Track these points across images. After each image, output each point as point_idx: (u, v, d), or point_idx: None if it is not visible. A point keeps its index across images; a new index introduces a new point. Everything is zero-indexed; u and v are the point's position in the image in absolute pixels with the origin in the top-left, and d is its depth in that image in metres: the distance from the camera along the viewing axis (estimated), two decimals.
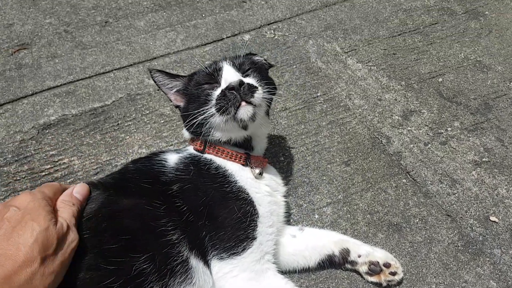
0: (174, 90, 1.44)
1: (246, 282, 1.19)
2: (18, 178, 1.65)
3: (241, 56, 1.45)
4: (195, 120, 1.30)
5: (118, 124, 1.84)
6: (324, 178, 1.70)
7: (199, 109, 1.30)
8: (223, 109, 1.26)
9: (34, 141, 1.77)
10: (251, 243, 1.21)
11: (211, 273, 1.20)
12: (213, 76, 1.37)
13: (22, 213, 0.95)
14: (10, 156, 1.71)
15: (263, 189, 1.36)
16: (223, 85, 1.30)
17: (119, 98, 1.93)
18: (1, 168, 1.67)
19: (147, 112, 1.89)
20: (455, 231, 1.56)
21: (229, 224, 1.20)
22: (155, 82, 1.43)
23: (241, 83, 1.26)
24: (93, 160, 1.71)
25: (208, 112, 1.28)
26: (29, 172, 1.67)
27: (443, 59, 2.23)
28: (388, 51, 2.26)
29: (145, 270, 1.06)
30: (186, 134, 1.47)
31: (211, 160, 1.33)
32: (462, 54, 2.27)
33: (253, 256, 1.21)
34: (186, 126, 1.40)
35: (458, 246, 1.52)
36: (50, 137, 1.79)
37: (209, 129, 1.33)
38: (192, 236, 1.17)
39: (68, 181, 1.64)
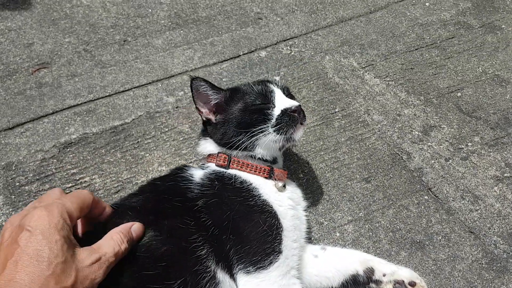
0: (213, 102, 1.43)
1: None
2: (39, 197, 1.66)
3: (277, 80, 1.53)
4: (245, 136, 1.34)
5: (138, 142, 1.85)
6: (345, 195, 1.70)
7: (255, 127, 1.34)
8: (283, 129, 1.34)
9: (55, 160, 1.78)
10: (277, 256, 1.21)
11: (237, 286, 1.19)
12: (266, 97, 1.42)
13: (35, 238, 0.88)
14: (31, 175, 1.73)
15: (286, 202, 1.36)
16: (280, 106, 1.38)
17: (138, 116, 1.95)
18: (23, 187, 1.69)
19: (166, 129, 1.90)
20: (479, 248, 1.54)
21: (254, 238, 1.20)
22: (194, 90, 1.40)
23: (301, 107, 1.37)
24: (114, 178, 1.72)
25: (264, 130, 1.34)
26: None
27: (461, 74, 2.22)
28: (405, 66, 2.25)
29: None
30: (207, 150, 1.47)
31: (235, 175, 1.34)
32: (480, 68, 2.26)
33: (279, 270, 1.21)
34: (221, 140, 1.41)
35: (482, 263, 1.50)
36: (71, 155, 1.80)
37: (254, 145, 1.37)
38: (218, 250, 1.17)
39: None
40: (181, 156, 1.81)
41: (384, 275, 1.38)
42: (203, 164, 1.44)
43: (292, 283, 1.24)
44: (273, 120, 1.36)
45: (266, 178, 1.39)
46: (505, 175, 1.77)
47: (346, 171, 1.78)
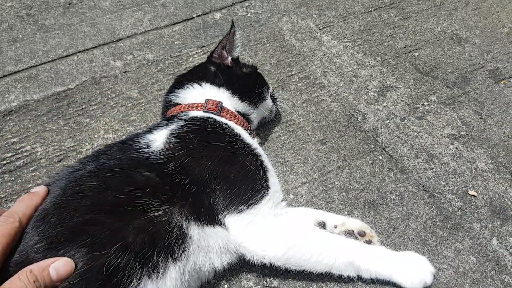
0: (232, 56, 1.57)
1: (269, 225, 1.21)
2: None
3: None
4: (258, 92, 1.57)
5: (82, 108, 1.76)
6: (299, 157, 1.65)
7: (265, 89, 1.62)
8: (275, 101, 1.69)
9: None
10: (267, 191, 1.24)
11: (220, 235, 1.18)
12: None
13: None
14: None
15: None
16: None
17: (83, 82, 1.85)
18: None
19: (113, 95, 1.81)
20: (433, 206, 1.52)
21: (243, 178, 1.22)
22: (231, 35, 1.54)
23: None
24: (57, 147, 1.63)
25: (267, 95, 1.63)
26: None
27: (420, 33, 2.18)
28: (363, 27, 2.20)
29: (120, 264, 0.98)
30: (206, 96, 1.45)
31: (220, 122, 1.34)
32: (438, 27, 2.22)
33: (270, 203, 1.25)
34: (241, 90, 1.52)
35: (437, 221, 1.48)
36: (11, 124, 1.70)
37: (257, 104, 1.58)
38: (193, 207, 1.13)
39: (31, 169, 1.56)
40: (130, 122, 1.73)
41: (335, 227, 1.38)
42: (167, 120, 1.34)
43: (284, 211, 1.31)
44: (271, 90, 1.66)
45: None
46: (462, 133, 1.75)
47: (301, 134, 1.73)
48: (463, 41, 2.15)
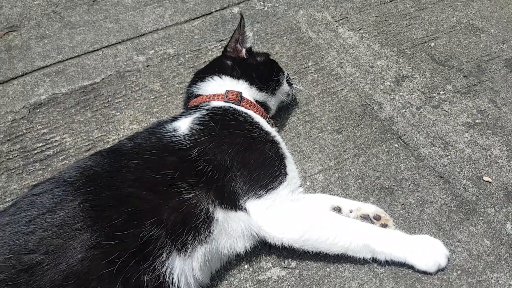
0: (246, 46, 1.62)
1: (286, 209, 1.28)
2: (10, 157, 1.66)
3: None
4: (275, 79, 1.61)
5: (108, 101, 1.84)
6: (316, 146, 1.70)
7: (281, 75, 1.65)
8: (291, 85, 1.73)
9: (25, 121, 1.77)
10: (285, 177, 1.31)
11: (243, 219, 1.25)
12: None
13: None
14: (2, 136, 1.72)
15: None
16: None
17: (108, 76, 1.93)
18: None
19: (137, 88, 1.89)
20: (448, 192, 1.55)
21: (262, 164, 1.28)
22: (242, 27, 1.59)
23: None
24: (85, 137, 1.72)
25: (283, 80, 1.66)
26: (21, 150, 1.68)
27: (435, 24, 2.20)
28: (380, 18, 2.23)
29: (152, 236, 1.09)
30: (225, 87, 1.51)
31: (240, 111, 1.40)
32: (454, 18, 2.24)
33: (288, 188, 1.31)
34: (258, 80, 1.57)
35: (451, 206, 1.51)
36: (41, 116, 1.79)
37: (275, 91, 1.63)
38: (217, 192, 1.22)
39: (60, 158, 1.65)
40: (153, 114, 1.80)
41: (351, 212, 1.43)
42: (189, 109, 1.42)
43: (301, 197, 1.37)
44: (286, 75, 1.69)
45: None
46: (477, 121, 1.78)
47: (318, 123, 1.78)
48: (479, 31, 2.16)
